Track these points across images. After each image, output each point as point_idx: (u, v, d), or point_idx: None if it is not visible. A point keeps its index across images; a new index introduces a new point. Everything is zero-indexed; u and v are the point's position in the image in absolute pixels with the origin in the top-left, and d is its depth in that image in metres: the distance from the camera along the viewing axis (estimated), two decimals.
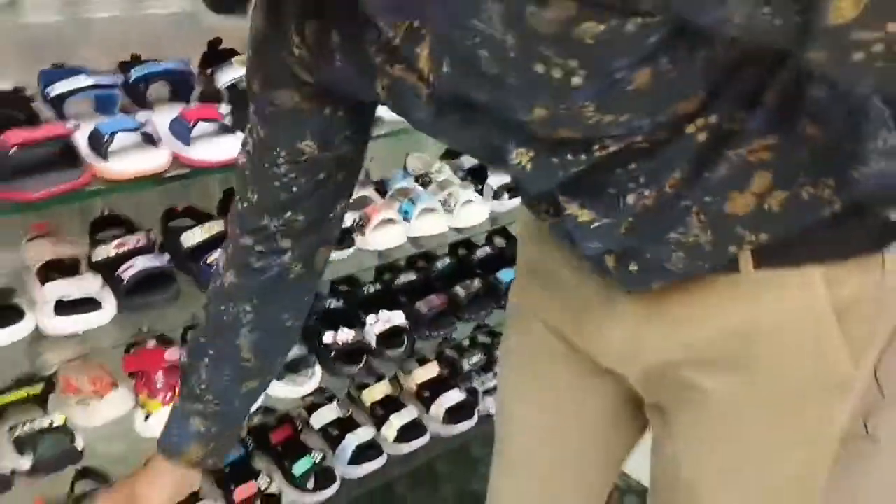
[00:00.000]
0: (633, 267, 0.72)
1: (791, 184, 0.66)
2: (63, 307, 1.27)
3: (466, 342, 2.04)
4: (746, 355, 0.75)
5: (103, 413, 1.39)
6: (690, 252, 0.69)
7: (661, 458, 0.86)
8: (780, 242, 0.68)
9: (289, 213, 0.83)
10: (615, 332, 0.81)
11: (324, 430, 1.75)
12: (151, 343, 1.47)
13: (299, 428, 1.73)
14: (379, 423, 1.78)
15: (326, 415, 1.75)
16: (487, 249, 1.93)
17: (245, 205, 0.85)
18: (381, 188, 1.74)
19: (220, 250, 0.93)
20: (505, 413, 1.02)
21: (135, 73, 1.36)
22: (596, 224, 0.70)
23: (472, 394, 1.91)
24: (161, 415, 1.37)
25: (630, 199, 0.67)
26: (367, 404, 1.82)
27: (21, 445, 1.28)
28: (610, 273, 0.75)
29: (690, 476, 0.81)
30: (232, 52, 1.53)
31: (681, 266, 0.70)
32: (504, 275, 1.85)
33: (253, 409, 1.51)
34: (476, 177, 1.85)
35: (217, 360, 0.92)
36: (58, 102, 1.29)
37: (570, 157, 0.65)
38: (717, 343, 0.74)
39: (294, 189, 0.81)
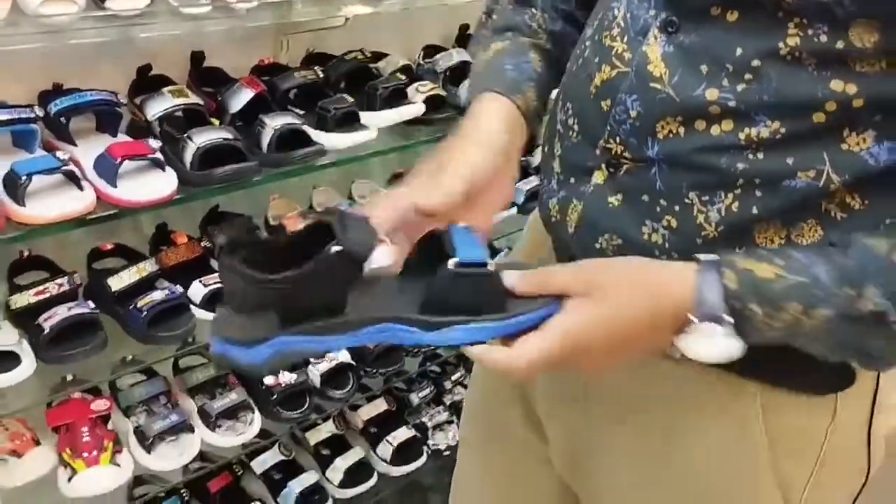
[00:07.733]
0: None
1: None
2: None
3: (415, 374, 1.96)
4: (662, 449, 0.74)
5: (23, 473, 1.28)
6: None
7: None
8: None
9: None
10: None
11: (266, 475, 1.66)
12: (76, 394, 1.37)
13: (239, 474, 1.64)
14: (324, 465, 1.70)
15: (268, 459, 1.66)
16: None
17: None
18: None
19: None
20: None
21: (55, 106, 1.25)
22: None
23: (421, 429, 1.84)
24: (86, 475, 1.27)
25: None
26: (312, 444, 1.73)
27: None
28: None
29: None
30: (163, 79, 1.43)
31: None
32: None
33: (190, 458, 1.42)
34: None
35: None
36: None
37: None
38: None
39: None
